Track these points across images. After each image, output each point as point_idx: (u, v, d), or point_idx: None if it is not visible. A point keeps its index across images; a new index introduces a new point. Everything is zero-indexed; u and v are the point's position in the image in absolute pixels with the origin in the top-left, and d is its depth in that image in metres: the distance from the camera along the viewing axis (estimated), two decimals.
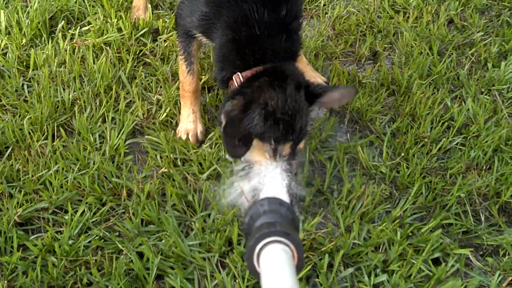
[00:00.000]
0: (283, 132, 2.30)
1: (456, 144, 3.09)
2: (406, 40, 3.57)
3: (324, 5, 3.84)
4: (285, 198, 1.70)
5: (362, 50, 3.52)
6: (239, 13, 2.38)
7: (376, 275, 2.48)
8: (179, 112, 2.93)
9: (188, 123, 2.86)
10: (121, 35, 3.28)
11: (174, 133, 2.88)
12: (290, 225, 1.41)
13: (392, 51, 3.59)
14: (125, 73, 3.08)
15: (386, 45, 3.61)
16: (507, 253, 2.68)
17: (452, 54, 3.55)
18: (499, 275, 2.57)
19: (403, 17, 3.79)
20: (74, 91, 2.92)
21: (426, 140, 3.06)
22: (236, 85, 2.38)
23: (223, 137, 2.26)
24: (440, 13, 3.81)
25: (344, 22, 3.68)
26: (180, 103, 2.92)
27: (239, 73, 2.39)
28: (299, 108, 2.33)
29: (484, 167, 3.01)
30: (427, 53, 3.51)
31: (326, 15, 3.73)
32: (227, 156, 2.72)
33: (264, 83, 2.30)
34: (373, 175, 2.89)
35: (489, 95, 3.39)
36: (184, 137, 2.84)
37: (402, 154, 2.97)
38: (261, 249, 1.28)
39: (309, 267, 2.43)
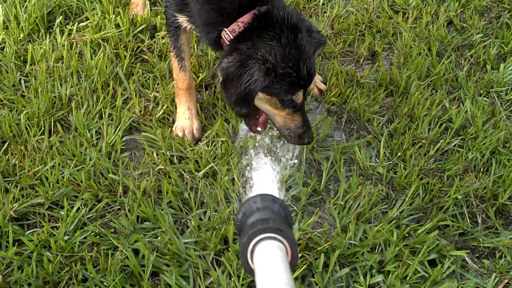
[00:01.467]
0: (290, 84, 2.29)
1: (454, 145, 3.11)
2: (405, 40, 3.59)
3: (323, 4, 3.86)
4: (278, 194, 1.70)
5: (361, 50, 3.54)
6: None
7: (371, 276, 2.50)
8: (176, 110, 2.95)
9: (184, 120, 2.88)
10: (119, 31, 3.30)
11: (171, 130, 2.90)
12: (283, 222, 1.41)
13: (391, 52, 3.61)
14: (122, 70, 3.11)
15: (384, 45, 3.64)
16: (503, 256, 2.70)
17: (451, 55, 3.58)
18: (495, 278, 2.60)
19: (402, 17, 3.81)
20: (72, 87, 2.94)
21: (423, 141, 3.08)
22: (228, 41, 2.33)
23: (224, 95, 2.25)
24: (440, 14, 3.83)
25: (343, 22, 3.70)
26: (175, 101, 2.95)
27: (225, 29, 2.33)
28: (301, 53, 2.28)
29: (481, 169, 3.04)
30: (426, 54, 3.53)
31: (325, 14, 3.76)
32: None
33: (257, 36, 2.24)
34: (370, 176, 2.91)
35: (487, 97, 3.41)
36: (180, 134, 2.86)
37: (399, 155, 2.99)
38: (254, 245, 1.27)
39: (304, 267, 2.44)
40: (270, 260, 1.22)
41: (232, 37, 2.31)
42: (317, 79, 3.18)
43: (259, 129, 2.56)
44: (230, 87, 2.22)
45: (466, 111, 3.28)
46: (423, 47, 3.56)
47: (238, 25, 2.29)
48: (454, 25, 3.85)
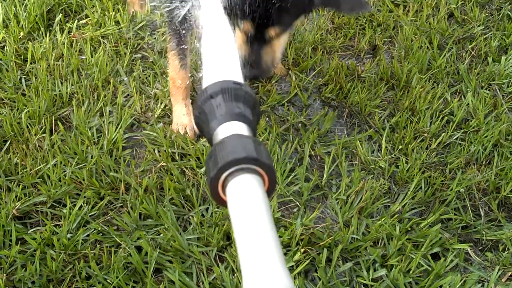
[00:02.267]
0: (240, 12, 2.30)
1: (456, 138, 3.12)
2: (406, 34, 3.60)
3: None
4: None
5: (362, 44, 3.54)
6: None
7: (375, 270, 2.51)
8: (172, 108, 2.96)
9: (183, 117, 2.89)
10: (119, 29, 3.31)
11: (171, 129, 2.90)
12: (252, 122, 1.23)
13: (392, 45, 3.61)
14: (122, 67, 3.11)
15: (385, 39, 3.64)
16: (506, 248, 2.71)
17: (452, 48, 3.58)
18: (498, 270, 2.61)
19: (403, 10, 3.81)
20: (72, 85, 2.95)
21: (425, 134, 3.09)
22: None
23: None
24: (440, 7, 3.83)
25: (343, 16, 3.70)
26: (171, 99, 2.96)
27: None
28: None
29: (484, 162, 3.05)
30: (427, 47, 3.53)
31: (325, 8, 3.75)
32: None
33: None
34: (372, 170, 2.92)
35: (489, 90, 3.42)
36: (182, 132, 2.87)
37: (401, 148, 3.00)
38: (226, 178, 1.10)
39: (307, 262, 2.45)
40: (244, 199, 1.06)
41: None
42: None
43: None
44: None
45: (468, 104, 3.28)
46: (424, 40, 3.57)
47: None
48: (455, 17, 3.85)
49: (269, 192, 1.10)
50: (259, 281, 0.92)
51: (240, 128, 1.19)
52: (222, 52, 1.38)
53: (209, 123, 1.20)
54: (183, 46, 2.74)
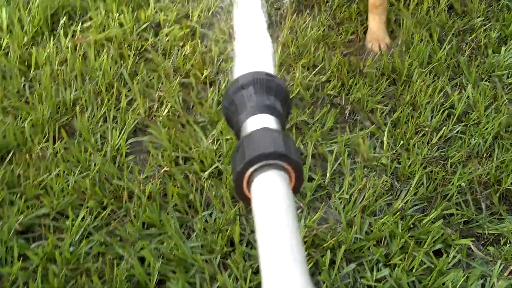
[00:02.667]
0: None
1: (457, 132, 2.89)
2: (407, 27, 3.32)
3: None
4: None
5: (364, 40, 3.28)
6: None
7: (378, 270, 2.32)
8: (181, 107, 2.73)
9: (380, 32, 3.22)
10: (122, 30, 3.05)
11: (176, 130, 2.66)
12: (284, 106, 1.12)
13: (393, 39, 3.33)
14: (126, 70, 2.87)
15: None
16: (508, 242, 2.50)
17: (452, 40, 3.31)
18: (500, 264, 2.41)
19: (404, 4, 3.52)
20: (76, 90, 2.72)
21: (426, 129, 2.86)
22: None
23: None
24: None
25: (345, 11, 3.42)
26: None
27: None
28: None
29: (484, 155, 2.82)
30: (427, 41, 3.26)
31: (327, 4, 3.47)
32: None
33: None
34: (374, 167, 2.70)
35: (489, 82, 3.16)
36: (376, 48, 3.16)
37: (402, 143, 2.77)
38: (252, 174, 0.97)
39: (311, 265, 2.27)
40: (269, 198, 0.93)
41: None
42: None
43: None
44: None
45: (468, 96, 3.04)
46: (424, 33, 3.29)
47: None
48: (455, 9, 3.55)
49: (295, 190, 0.96)
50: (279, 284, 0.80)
51: (270, 121, 1.04)
52: (255, 43, 1.25)
53: (238, 115, 1.07)
54: None
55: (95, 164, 2.43)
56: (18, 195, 2.32)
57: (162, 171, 2.48)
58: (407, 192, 2.60)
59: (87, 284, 2.06)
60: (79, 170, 2.41)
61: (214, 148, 2.60)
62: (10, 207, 2.27)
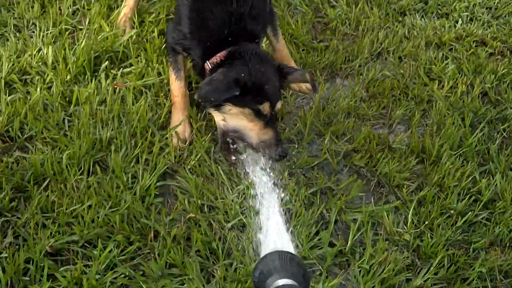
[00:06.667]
0: (257, 95, 2.89)
1: (482, 218, 3.21)
2: (439, 109, 3.74)
3: (360, 66, 4.03)
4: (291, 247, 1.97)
5: (395, 115, 3.69)
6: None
7: None
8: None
9: (178, 125, 3.27)
10: (160, 79, 3.52)
11: (204, 179, 3.06)
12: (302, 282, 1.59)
13: (424, 119, 3.75)
14: (161, 117, 3.31)
15: (419, 112, 3.77)
16: None
17: (484, 128, 3.70)
18: None
19: (438, 85, 3.97)
20: (112, 130, 3.14)
21: (452, 212, 3.19)
22: (208, 70, 3.03)
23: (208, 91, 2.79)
24: (475, 85, 3.97)
25: (378, 85, 3.86)
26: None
27: (207, 61, 3.04)
28: (265, 74, 2.95)
29: (507, 244, 3.12)
30: (459, 124, 3.66)
31: (361, 76, 3.93)
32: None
33: (229, 63, 2.94)
34: (396, 241, 3.01)
35: None
36: (175, 139, 3.20)
37: (427, 223, 3.09)
38: None
39: None
40: None
41: (211, 67, 3.04)
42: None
43: (233, 157, 3.05)
44: (209, 95, 2.82)
45: (496, 184, 3.37)
46: (457, 117, 3.69)
47: (216, 59, 3.03)
48: (489, 97, 3.99)
49: None
50: None
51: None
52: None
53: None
54: (178, 63, 3.27)
55: (125, 201, 2.81)
56: (51, 220, 2.69)
57: (188, 216, 2.85)
58: (428, 271, 2.89)
59: None
60: (109, 205, 2.78)
61: (239, 201, 2.98)
62: (43, 230, 2.64)
